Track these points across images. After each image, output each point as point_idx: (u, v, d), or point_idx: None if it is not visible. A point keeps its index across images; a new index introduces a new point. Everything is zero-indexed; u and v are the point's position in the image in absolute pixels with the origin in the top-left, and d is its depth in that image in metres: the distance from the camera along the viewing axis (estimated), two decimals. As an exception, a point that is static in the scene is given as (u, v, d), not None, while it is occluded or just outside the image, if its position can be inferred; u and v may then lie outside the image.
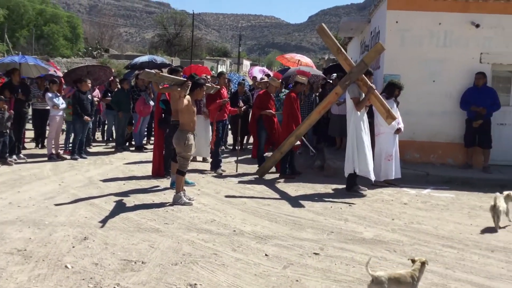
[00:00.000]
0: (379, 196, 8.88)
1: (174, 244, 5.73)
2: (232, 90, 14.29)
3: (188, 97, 7.62)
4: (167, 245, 5.68)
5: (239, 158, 11.50)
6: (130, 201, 7.72)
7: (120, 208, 7.29)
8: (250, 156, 12.44)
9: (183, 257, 5.33)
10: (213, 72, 12.91)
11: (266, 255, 5.53)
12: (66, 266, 4.93)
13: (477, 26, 11.00)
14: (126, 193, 8.23)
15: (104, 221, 6.56)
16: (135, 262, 5.11)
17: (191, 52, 67.79)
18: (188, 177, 9.20)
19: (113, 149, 13.16)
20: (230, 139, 14.55)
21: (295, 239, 6.15)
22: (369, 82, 8.91)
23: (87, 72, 12.28)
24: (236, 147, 11.73)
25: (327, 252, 5.69)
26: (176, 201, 7.59)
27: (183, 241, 5.86)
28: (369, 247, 5.93)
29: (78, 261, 5.08)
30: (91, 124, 13.24)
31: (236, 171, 10.62)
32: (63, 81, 12.19)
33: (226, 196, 8.34)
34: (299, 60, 16.18)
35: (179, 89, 7.61)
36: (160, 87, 8.21)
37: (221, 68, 72.81)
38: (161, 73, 8.07)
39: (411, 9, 11.29)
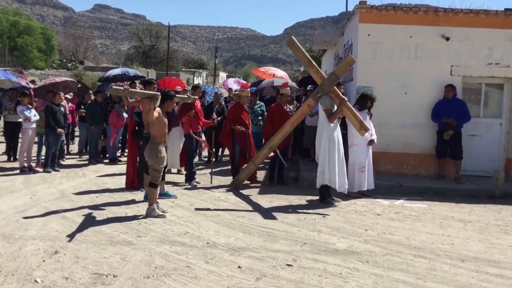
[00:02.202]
0: (353, 207, 8.93)
1: (147, 257, 5.69)
2: (207, 102, 14.25)
3: (158, 109, 7.62)
4: (140, 258, 5.64)
5: (215, 170, 11.51)
6: (102, 214, 7.65)
7: (92, 221, 7.22)
8: (225, 168, 12.45)
9: (155, 270, 5.29)
10: (186, 85, 12.87)
11: (239, 267, 5.52)
12: (36, 281, 4.86)
13: (447, 39, 11.20)
14: (99, 206, 8.15)
15: (75, 235, 6.49)
16: (106, 276, 5.06)
17: (167, 64, 67.74)
18: (165, 189, 9.23)
19: (86, 162, 13.04)
20: (205, 151, 14.51)
21: (269, 251, 6.15)
22: (341, 94, 8.99)
23: (52, 85, 12.23)
24: (211, 159, 11.71)
25: (300, 264, 5.70)
26: (149, 214, 7.54)
27: (155, 253, 5.83)
28: (342, 258, 5.96)
29: (48, 275, 5.01)
30: (63, 137, 13.14)
31: (211, 183, 10.60)
32: (32, 93, 12.04)
33: (200, 209, 8.30)
34: (273, 74, 16.29)
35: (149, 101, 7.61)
36: (131, 100, 8.19)
37: (197, 80, 72.86)
38: (130, 88, 8.05)
39: (382, 22, 11.45)
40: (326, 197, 9.05)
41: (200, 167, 12.89)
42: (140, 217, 7.54)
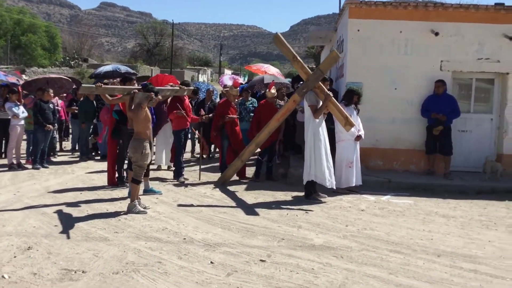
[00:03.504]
0: (338, 203, 8.91)
1: (120, 253, 5.68)
2: (200, 98, 14.24)
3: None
4: (112, 254, 5.63)
5: (206, 166, 11.54)
6: (83, 210, 7.66)
7: (71, 217, 7.22)
8: (216, 164, 12.43)
9: (126, 265, 5.29)
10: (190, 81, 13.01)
11: (211, 262, 5.50)
12: (3, 276, 4.85)
13: (436, 34, 11.14)
14: (81, 203, 8.15)
15: (52, 231, 6.49)
16: (75, 272, 5.06)
17: (171, 61, 67.75)
18: (150, 185, 9.25)
19: (78, 159, 13.06)
20: (198, 148, 14.51)
21: (245, 247, 6.13)
22: (326, 90, 8.96)
23: (46, 82, 12.22)
24: (200, 156, 11.71)
25: (274, 259, 5.68)
26: (131, 210, 7.54)
27: (129, 249, 5.82)
28: (317, 254, 5.94)
29: (16, 271, 5.01)
30: (56, 134, 13.18)
31: (199, 180, 10.60)
32: (20, 90, 12.04)
33: (183, 205, 8.29)
34: (265, 71, 16.27)
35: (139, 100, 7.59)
36: (111, 98, 8.19)
37: (201, 78, 72.86)
38: (102, 85, 8.04)
39: (372, 18, 11.41)
40: (312, 193, 9.03)
41: (191, 163, 12.90)
42: (121, 213, 7.53)
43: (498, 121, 11.58)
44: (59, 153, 14.04)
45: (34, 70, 53.13)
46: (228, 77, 20.93)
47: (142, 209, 7.60)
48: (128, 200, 7.97)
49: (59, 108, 13.84)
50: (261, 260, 5.63)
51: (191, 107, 11.27)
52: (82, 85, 8.10)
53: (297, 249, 6.10)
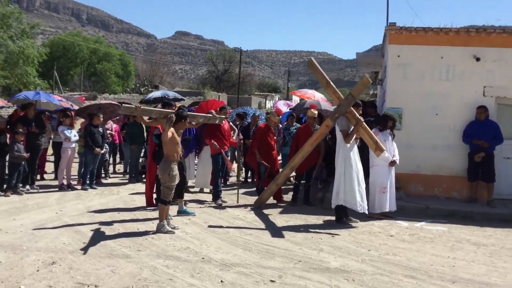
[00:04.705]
0: (369, 228, 8.89)
1: (136, 270, 5.94)
2: (247, 123, 14.55)
3: (172, 129, 7.93)
4: (128, 271, 5.90)
5: (248, 190, 11.74)
6: (115, 229, 8.00)
7: (102, 235, 7.57)
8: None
9: (137, 282, 5.53)
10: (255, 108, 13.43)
11: (221, 281, 5.67)
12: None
13: (478, 59, 11.00)
14: (115, 222, 8.51)
15: (79, 247, 6.84)
16: (88, 286, 5.35)
17: (238, 87, 68.83)
18: (188, 207, 9.65)
19: (127, 181, 13.57)
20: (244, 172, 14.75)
21: (260, 267, 6.27)
22: (357, 115, 9.03)
23: (99, 107, 12.85)
24: (238, 179, 11.92)
25: (284, 280, 5.79)
26: (159, 230, 7.83)
27: (146, 267, 6.07)
28: (329, 276, 6.00)
29: (34, 284, 5.35)
30: (107, 156, 13.78)
31: (237, 202, 10.81)
32: (73, 114, 12.72)
33: (213, 226, 8.51)
34: (314, 96, 16.44)
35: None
36: (147, 120, 8.54)
37: (269, 104, 73.55)
38: (142, 107, 8.40)
39: (412, 43, 11.39)
40: (342, 217, 9.05)
41: (235, 187, 13.14)
42: (150, 232, 7.82)
43: (544, 148, 11.22)
44: (111, 175, 14.62)
45: (105, 97, 55.27)
46: (282, 103, 21.25)
47: (170, 229, 7.87)
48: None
49: (113, 132, 14.49)
50: (271, 281, 5.75)
51: (236, 131, 11.60)
52: (123, 105, 8.50)
53: (311, 271, 6.17)
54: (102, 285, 5.39)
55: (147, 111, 8.62)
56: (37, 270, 5.81)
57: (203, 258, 6.58)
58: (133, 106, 8.43)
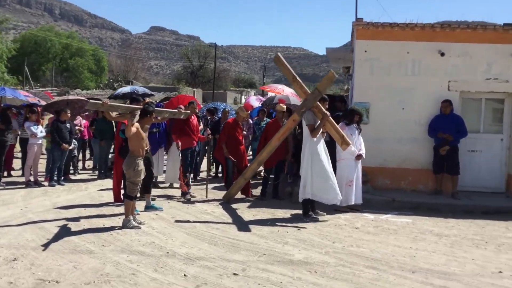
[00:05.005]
0: (335, 221, 8.99)
1: (99, 265, 5.94)
2: (217, 118, 14.55)
3: (137, 124, 7.92)
4: (91, 266, 5.89)
5: (217, 185, 11.77)
6: (81, 225, 7.96)
7: (66, 231, 7.53)
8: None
9: (100, 277, 5.53)
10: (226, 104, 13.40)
11: (185, 275, 5.70)
12: (-21, 284, 5.17)
13: (442, 54, 11.18)
14: (82, 218, 8.45)
15: (43, 244, 6.81)
16: (49, 282, 5.33)
17: (213, 83, 68.61)
18: (156, 202, 9.71)
19: (96, 177, 13.49)
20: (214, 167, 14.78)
21: (224, 261, 6.31)
22: (323, 109, 9.11)
23: (67, 103, 12.73)
24: (212, 174, 11.96)
25: (247, 273, 5.84)
26: (125, 225, 7.82)
27: (109, 262, 6.07)
28: (292, 268, 6.07)
29: (-6, 280, 5.33)
30: (75, 152, 13.67)
31: (206, 197, 10.83)
32: (39, 110, 12.60)
33: (180, 221, 8.52)
34: (283, 90, 16.52)
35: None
36: (114, 115, 8.51)
37: (244, 99, 73.50)
38: (108, 102, 8.37)
39: (379, 39, 11.51)
40: (309, 210, 9.13)
41: (204, 182, 13.15)
42: (116, 228, 7.81)
43: (508, 141, 11.46)
44: (81, 172, 14.52)
45: (78, 92, 54.61)
46: (255, 99, 21.27)
47: (136, 224, 7.87)
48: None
49: (82, 128, 14.38)
50: (234, 274, 5.80)
51: (202, 126, 11.61)
52: (90, 101, 8.44)
53: (274, 264, 6.24)
54: (63, 281, 5.38)
55: (114, 107, 8.57)
56: (-2, 267, 5.78)
57: (167, 252, 6.61)
58: (100, 102, 8.38)
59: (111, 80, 70.03)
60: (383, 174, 11.55)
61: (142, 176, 8.14)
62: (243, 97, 75.70)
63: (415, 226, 8.73)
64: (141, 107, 8.53)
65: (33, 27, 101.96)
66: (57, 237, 7.16)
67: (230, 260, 6.37)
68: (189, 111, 10.57)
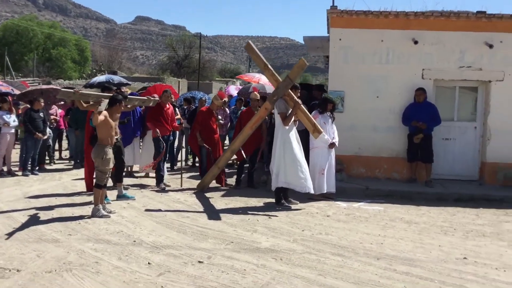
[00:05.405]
0: (308, 209, 9.01)
1: (62, 254, 5.90)
2: (193, 107, 14.50)
3: (105, 112, 7.86)
4: (55, 255, 5.85)
5: (194, 174, 11.74)
6: (49, 214, 7.89)
7: (34, 221, 7.47)
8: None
9: (62, 265, 5.49)
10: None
11: (149, 263, 5.68)
12: None
13: (416, 42, 11.21)
14: (51, 207, 8.38)
15: (8, 233, 6.75)
16: (9, 270, 5.29)
17: (198, 73, 68.33)
18: (130, 191, 9.67)
19: (71, 166, 13.40)
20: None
21: (191, 249, 6.30)
22: (295, 97, 9.10)
23: (41, 92, 12.62)
24: (187, 163, 11.91)
25: (212, 261, 5.83)
26: (94, 214, 7.78)
27: (74, 251, 6.03)
28: (258, 256, 6.07)
29: (-46, 269, 5.28)
30: (50, 142, 13.57)
31: (181, 186, 10.80)
32: (10, 99, 12.49)
33: (150, 210, 8.48)
34: (260, 79, 16.50)
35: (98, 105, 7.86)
36: (85, 104, 8.43)
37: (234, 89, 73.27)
38: (79, 91, 8.29)
39: (353, 27, 11.52)
40: (281, 199, 9.15)
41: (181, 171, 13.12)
42: (86, 217, 7.76)
43: (482, 129, 11.54)
44: (57, 161, 14.42)
45: (60, 83, 54.19)
46: (234, 87, 21.27)
47: (105, 213, 7.83)
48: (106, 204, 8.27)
49: (58, 118, 14.26)
50: (199, 262, 5.79)
51: (179, 115, 11.54)
52: (61, 89, 8.35)
53: (241, 252, 6.24)
54: (24, 269, 5.34)
55: (85, 95, 8.49)
56: (-40, 256, 5.73)
57: (134, 241, 6.58)
58: (72, 91, 8.29)
59: (94, 70, 69.55)
60: (358, 163, 11.59)
61: (111, 165, 8.09)
62: (228, 87, 75.54)
63: (386, 214, 8.78)
64: (110, 95, 8.47)
65: (16, 17, 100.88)
66: (23, 226, 7.10)
67: (197, 248, 6.35)
68: (157, 98, 10.49)
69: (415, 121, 10.90)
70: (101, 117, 7.72)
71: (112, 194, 9.24)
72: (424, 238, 7.20)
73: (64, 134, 15.49)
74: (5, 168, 11.65)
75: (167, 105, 10.82)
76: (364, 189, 10.53)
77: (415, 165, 11.25)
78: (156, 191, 10.30)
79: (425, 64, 11.38)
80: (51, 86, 14.83)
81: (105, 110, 7.94)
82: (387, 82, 11.45)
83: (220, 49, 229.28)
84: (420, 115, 10.90)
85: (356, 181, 11.12)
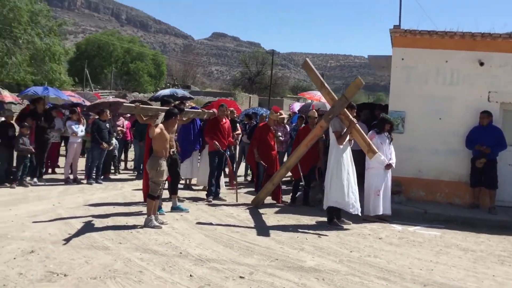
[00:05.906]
0: (360, 230, 8.86)
1: (110, 261, 6.07)
2: (255, 122, 14.62)
3: (161, 125, 8.08)
4: (102, 262, 6.04)
5: (251, 189, 11.82)
6: (104, 222, 8.16)
7: (89, 228, 7.74)
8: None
9: (107, 272, 5.66)
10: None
11: (190, 275, 5.76)
12: (-9, 274, 5.38)
13: (482, 64, 10.89)
14: (107, 215, 8.67)
15: (63, 238, 7.02)
16: (57, 274, 5.50)
17: (270, 89, 68.87)
18: (185, 204, 9.95)
19: (134, 177, 13.79)
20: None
21: (234, 264, 6.34)
22: (350, 116, 9.03)
23: (109, 104, 13.11)
24: (246, 178, 11.99)
25: (253, 277, 5.85)
26: (146, 224, 7.97)
27: (121, 259, 6.20)
28: (300, 275, 6.03)
29: (6, 271, 5.52)
30: (116, 152, 14.02)
31: (236, 201, 10.89)
32: (79, 110, 13.03)
33: (202, 223, 8.60)
34: (320, 97, 16.43)
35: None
36: (145, 118, 8.69)
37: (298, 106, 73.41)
38: (141, 105, 8.56)
39: (417, 47, 11.30)
40: (333, 218, 9.05)
41: (240, 186, 13.22)
42: (138, 227, 7.96)
43: (550, 156, 11.02)
44: (122, 171, 14.88)
45: (135, 95, 55.98)
46: (298, 105, 21.28)
47: (157, 224, 8.01)
48: (159, 215, 8.47)
49: (124, 129, 14.73)
50: (240, 277, 5.82)
51: (239, 130, 11.68)
52: (124, 104, 8.68)
53: (283, 269, 6.22)
54: (71, 274, 5.54)
55: (146, 109, 8.76)
56: (14, 258, 5.99)
57: (180, 253, 6.69)
58: (133, 105, 8.62)
59: (169, 84, 71.33)
60: (417, 185, 11.30)
61: (165, 177, 8.28)
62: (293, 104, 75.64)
63: (443, 240, 8.50)
64: (164, 107, 8.71)
65: (100, 32, 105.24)
66: (78, 233, 7.37)
67: (241, 263, 6.39)
68: (212, 111, 10.67)
69: (478, 145, 10.54)
70: (157, 130, 7.94)
71: (167, 206, 9.44)
72: (478, 267, 6.92)
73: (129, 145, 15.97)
74: (71, 176, 12.12)
75: (224, 119, 10.97)
76: (423, 212, 10.26)
77: (478, 191, 10.85)
78: (209, 205, 10.40)
79: (492, 87, 11.00)
80: (117, 99, 15.34)
81: (161, 123, 8.15)
82: (450, 104, 11.14)
83: (293, 66, 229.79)
84: (484, 139, 10.53)
85: (415, 204, 10.84)
